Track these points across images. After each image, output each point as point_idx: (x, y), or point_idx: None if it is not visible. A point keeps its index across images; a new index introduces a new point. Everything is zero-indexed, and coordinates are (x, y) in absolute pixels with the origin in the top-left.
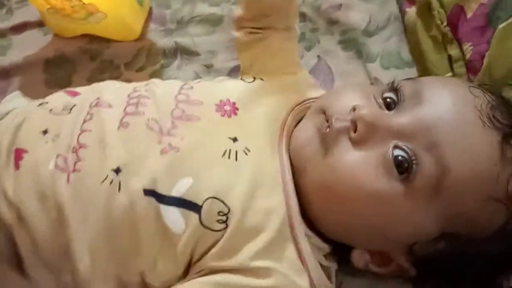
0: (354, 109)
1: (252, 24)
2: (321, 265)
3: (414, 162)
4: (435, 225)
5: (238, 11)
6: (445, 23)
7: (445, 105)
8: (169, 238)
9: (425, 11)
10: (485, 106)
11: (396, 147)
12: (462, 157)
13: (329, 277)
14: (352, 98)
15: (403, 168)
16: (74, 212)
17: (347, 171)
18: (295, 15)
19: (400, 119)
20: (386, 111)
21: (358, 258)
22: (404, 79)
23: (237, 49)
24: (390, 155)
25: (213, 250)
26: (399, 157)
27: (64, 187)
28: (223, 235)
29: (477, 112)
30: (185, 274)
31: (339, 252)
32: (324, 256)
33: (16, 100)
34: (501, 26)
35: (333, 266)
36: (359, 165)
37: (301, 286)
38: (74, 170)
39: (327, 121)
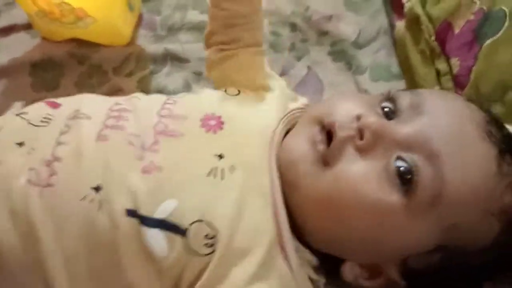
0: (358, 117)
1: (220, 38)
2: (310, 279)
3: (415, 174)
4: (431, 237)
5: (206, 27)
6: (433, 38)
7: (446, 117)
8: (152, 260)
9: (414, 25)
10: (482, 121)
11: (398, 157)
12: (460, 169)
13: None
14: (354, 106)
15: (405, 179)
16: (47, 227)
17: (353, 181)
18: (261, 27)
19: (403, 129)
20: (387, 121)
21: (349, 271)
22: (399, 90)
23: (207, 69)
24: (394, 166)
25: (203, 278)
26: (402, 168)
27: (36, 202)
28: (211, 260)
29: (475, 126)
30: None
31: (327, 264)
32: (313, 269)
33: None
34: (488, 42)
35: (321, 279)
36: (364, 176)
37: None
38: (47, 185)
39: (323, 131)
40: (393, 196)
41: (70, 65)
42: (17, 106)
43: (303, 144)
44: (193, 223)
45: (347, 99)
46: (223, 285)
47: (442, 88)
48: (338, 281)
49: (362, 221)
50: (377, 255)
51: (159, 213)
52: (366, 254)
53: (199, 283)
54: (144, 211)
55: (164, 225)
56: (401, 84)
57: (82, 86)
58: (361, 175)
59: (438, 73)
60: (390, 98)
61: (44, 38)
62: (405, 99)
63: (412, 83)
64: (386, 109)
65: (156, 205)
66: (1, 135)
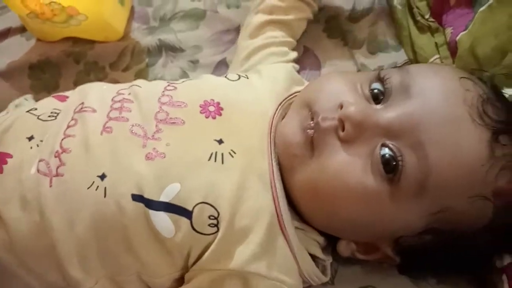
0: (341, 106)
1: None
2: (317, 257)
3: (400, 161)
4: (420, 221)
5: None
6: (428, 15)
7: (434, 101)
8: (161, 241)
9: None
10: (475, 101)
11: (383, 145)
12: (447, 157)
13: (324, 270)
14: (337, 92)
15: (390, 167)
16: (57, 215)
17: (336, 172)
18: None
19: (387, 115)
20: (374, 105)
21: (344, 248)
22: (392, 67)
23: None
24: (378, 154)
25: (207, 254)
26: (386, 156)
27: (47, 191)
28: (215, 239)
29: (467, 108)
30: (182, 277)
31: (330, 241)
32: (321, 249)
33: (26, 103)
34: (482, 8)
35: (328, 259)
36: (347, 166)
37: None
38: (57, 175)
39: (312, 118)
40: (377, 184)
41: (67, 65)
42: (14, 104)
43: (294, 128)
44: (196, 205)
45: (333, 83)
46: (226, 262)
47: (440, 57)
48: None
49: (349, 208)
50: (368, 236)
51: (164, 197)
52: (357, 235)
53: (203, 259)
54: (149, 195)
55: (169, 207)
56: (400, 55)
57: (81, 84)
58: (344, 165)
59: (436, 45)
60: (380, 79)
61: (39, 40)
62: (395, 79)
63: (412, 53)
64: (375, 91)
65: (161, 189)
66: (13, 131)
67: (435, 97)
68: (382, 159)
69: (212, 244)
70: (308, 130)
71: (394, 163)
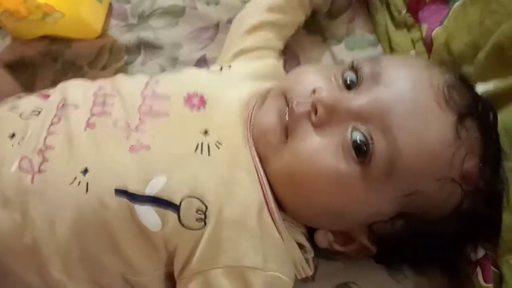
0: (314, 91)
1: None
2: (302, 247)
3: (370, 144)
4: (391, 205)
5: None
6: (404, 11)
7: (401, 87)
8: (146, 235)
9: None
10: (441, 86)
11: (354, 128)
12: (414, 140)
13: (308, 264)
14: (312, 80)
15: (361, 150)
16: (39, 213)
17: (308, 156)
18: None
19: (358, 100)
20: (346, 93)
21: (322, 238)
22: (365, 58)
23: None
24: (349, 137)
25: (197, 254)
26: (357, 139)
27: (28, 188)
28: (203, 234)
29: (433, 93)
30: (170, 275)
31: (311, 236)
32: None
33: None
34: (457, 3)
35: (310, 253)
36: (319, 150)
37: (286, 279)
38: (39, 171)
39: (288, 105)
40: (348, 167)
41: (44, 64)
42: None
43: (271, 116)
44: (184, 198)
45: (308, 73)
46: (219, 258)
47: (416, 52)
48: (325, 251)
49: (322, 193)
50: (342, 224)
51: (149, 190)
52: (332, 222)
53: (194, 260)
54: (133, 189)
55: (155, 201)
56: (377, 50)
57: (59, 83)
58: (315, 149)
59: (412, 41)
60: (352, 68)
61: (14, 38)
62: (367, 68)
63: (389, 49)
64: (348, 81)
65: (145, 182)
66: None
67: (403, 84)
68: (353, 142)
69: (201, 241)
70: (283, 116)
71: (364, 147)
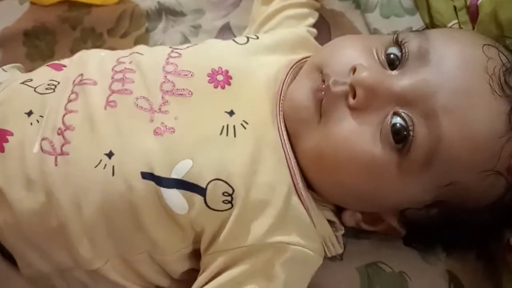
0: (353, 70)
1: None
2: (332, 223)
3: (411, 131)
4: (427, 193)
5: None
6: None
7: (452, 69)
8: (173, 217)
9: None
10: (497, 70)
11: (395, 113)
12: (461, 128)
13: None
14: (351, 55)
15: (400, 137)
16: (65, 195)
17: (343, 140)
18: None
19: (401, 82)
20: (388, 71)
21: (349, 218)
22: (410, 31)
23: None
24: (389, 123)
25: (224, 233)
26: (398, 125)
27: (52, 170)
28: (230, 215)
29: (487, 78)
30: (195, 251)
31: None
32: (333, 212)
33: (10, 72)
34: None
35: (340, 229)
36: (355, 135)
37: (314, 254)
38: (61, 153)
39: (323, 81)
40: (385, 154)
41: (63, 31)
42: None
43: (303, 92)
44: (210, 181)
45: (347, 46)
46: (244, 238)
47: (459, 22)
48: (354, 230)
49: (355, 177)
50: (374, 207)
51: (175, 174)
52: (362, 206)
53: (220, 239)
54: (159, 172)
55: (181, 185)
56: (415, 19)
57: (77, 52)
58: (352, 133)
59: (455, 9)
60: (397, 43)
61: (32, 3)
62: (413, 44)
63: (428, 18)
64: (392, 56)
65: (171, 166)
66: (9, 105)
67: (454, 64)
68: (393, 128)
69: (228, 222)
70: (318, 93)
71: (405, 132)
